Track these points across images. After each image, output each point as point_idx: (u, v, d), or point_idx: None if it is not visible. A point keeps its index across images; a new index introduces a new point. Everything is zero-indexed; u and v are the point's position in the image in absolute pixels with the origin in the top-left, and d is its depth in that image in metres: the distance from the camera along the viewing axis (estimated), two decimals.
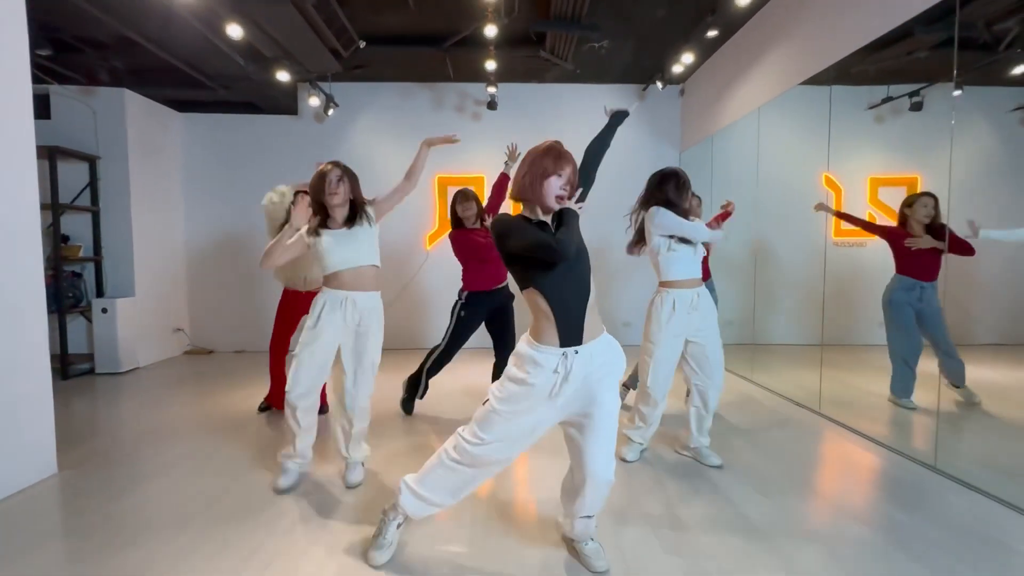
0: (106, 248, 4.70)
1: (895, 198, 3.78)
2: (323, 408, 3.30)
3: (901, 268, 3.16)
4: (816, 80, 3.51)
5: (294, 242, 2.17)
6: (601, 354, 1.53)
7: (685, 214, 2.42)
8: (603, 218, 5.72)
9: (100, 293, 4.67)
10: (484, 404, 1.57)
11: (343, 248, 2.19)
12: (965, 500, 2.15)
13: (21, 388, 2.31)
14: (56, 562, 1.75)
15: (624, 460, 2.53)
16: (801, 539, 1.85)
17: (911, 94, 3.60)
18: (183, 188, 5.47)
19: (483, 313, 3.22)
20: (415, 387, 3.29)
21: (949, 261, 2.83)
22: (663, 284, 2.46)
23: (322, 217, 2.21)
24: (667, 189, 2.42)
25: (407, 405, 3.30)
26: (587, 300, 1.51)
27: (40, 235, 2.42)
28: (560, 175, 1.50)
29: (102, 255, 4.68)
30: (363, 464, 2.40)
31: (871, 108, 3.83)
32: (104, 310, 4.43)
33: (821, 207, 3.55)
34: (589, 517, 1.67)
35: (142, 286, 4.83)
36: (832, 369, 3.44)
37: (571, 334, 1.48)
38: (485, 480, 1.68)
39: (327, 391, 3.26)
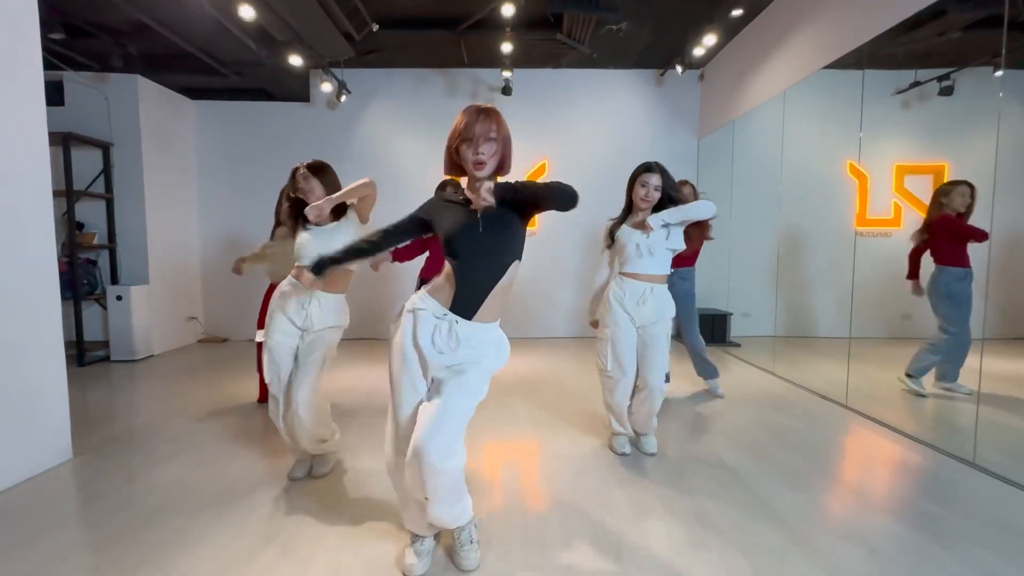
0: (120, 235, 4.70)
1: (921, 186, 3.65)
2: None
3: (961, 259, 3.02)
4: (842, 63, 3.37)
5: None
6: (485, 341, 1.52)
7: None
8: (612, 206, 5.53)
9: (115, 280, 4.68)
10: None
11: (318, 245, 2.05)
12: (1005, 495, 2.05)
13: (36, 374, 2.29)
14: (71, 546, 1.72)
15: (616, 452, 2.49)
16: (833, 535, 1.77)
17: (940, 78, 3.45)
18: (196, 175, 5.45)
19: None
20: None
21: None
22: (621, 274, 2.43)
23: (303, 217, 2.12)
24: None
25: None
26: (489, 287, 1.49)
27: (53, 221, 2.39)
28: (469, 140, 1.45)
29: (116, 242, 4.68)
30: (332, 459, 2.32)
31: (898, 93, 3.69)
32: (119, 297, 4.43)
33: None
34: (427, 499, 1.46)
35: (156, 274, 4.83)
36: (858, 362, 3.33)
37: (463, 307, 1.49)
38: (404, 446, 1.47)
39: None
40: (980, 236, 2.86)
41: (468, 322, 1.49)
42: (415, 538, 1.61)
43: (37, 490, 2.13)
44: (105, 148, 4.55)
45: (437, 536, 1.67)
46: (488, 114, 1.46)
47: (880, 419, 2.92)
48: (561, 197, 1.40)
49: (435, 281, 1.55)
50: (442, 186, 3.02)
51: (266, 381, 2.14)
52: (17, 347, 2.20)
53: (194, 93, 5.28)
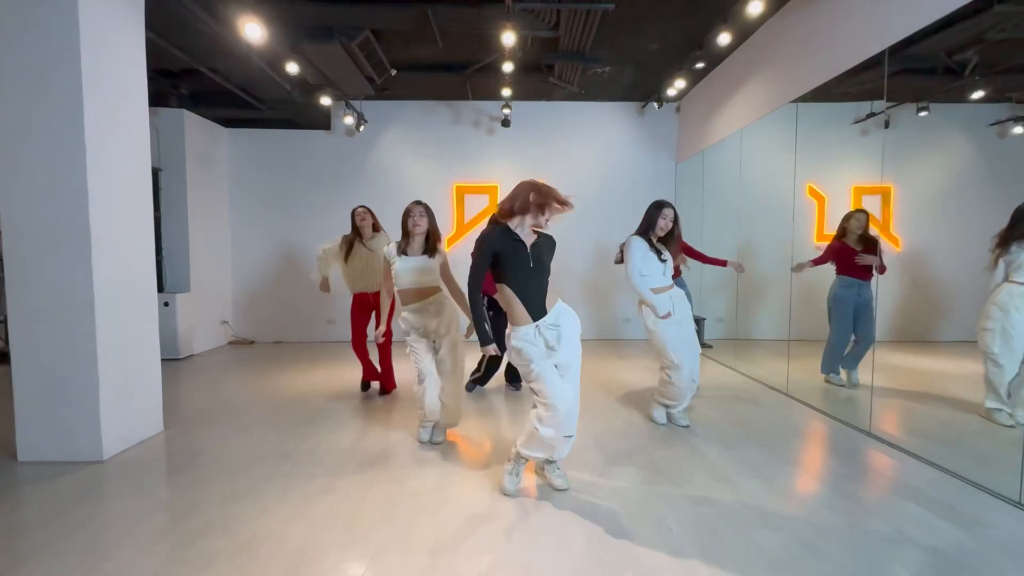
0: (166, 248, 5.34)
1: (876, 205, 4.31)
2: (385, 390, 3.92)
3: (841, 271, 3.79)
4: (804, 96, 3.93)
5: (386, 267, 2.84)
6: (560, 312, 2.23)
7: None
8: (601, 222, 6.30)
9: (161, 288, 5.31)
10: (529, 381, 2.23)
11: (413, 271, 2.78)
12: (887, 453, 2.72)
13: (140, 363, 2.93)
14: (181, 489, 2.36)
15: (654, 421, 3.18)
16: (749, 475, 2.43)
17: (887, 111, 4.12)
18: (228, 195, 6.11)
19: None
20: (483, 375, 3.89)
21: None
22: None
23: (403, 243, 2.81)
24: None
25: (471, 386, 3.89)
26: (545, 293, 2.21)
27: (153, 238, 3.04)
28: (545, 213, 2.17)
29: (163, 255, 5.32)
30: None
31: (857, 123, 4.35)
32: (166, 303, 5.06)
33: (800, 268, 3.92)
34: (570, 436, 2.22)
35: (196, 282, 5.47)
36: (800, 359, 4.00)
37: (536, 312, 2.18)
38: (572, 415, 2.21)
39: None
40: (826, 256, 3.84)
41: (547, 316, 2.18)
42: (516, 469, 2.31)
43: (146, 452, 2.77)
44: (155, 172, 5.20)
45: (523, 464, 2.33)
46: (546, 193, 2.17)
47: (808, 402, 3.59)
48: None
49: (510, 316, 2.20)
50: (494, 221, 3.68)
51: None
52: (129, 342, 2.84)
53: (228, 122, 5.95)
